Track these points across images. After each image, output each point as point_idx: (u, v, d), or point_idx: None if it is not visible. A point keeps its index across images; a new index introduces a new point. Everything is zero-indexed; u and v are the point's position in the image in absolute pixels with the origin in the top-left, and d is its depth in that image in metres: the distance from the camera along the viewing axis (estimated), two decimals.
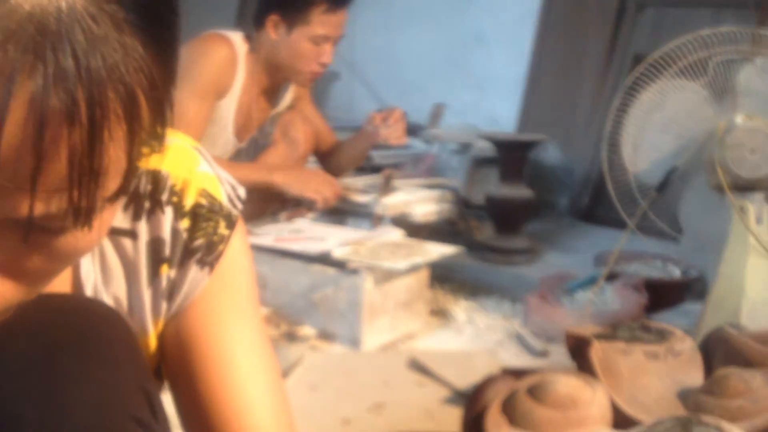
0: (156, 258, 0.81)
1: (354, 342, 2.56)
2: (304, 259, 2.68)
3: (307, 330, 2.60)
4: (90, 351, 0.69)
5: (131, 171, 0.59)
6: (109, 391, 0.67)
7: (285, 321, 2.64)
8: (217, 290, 0.82)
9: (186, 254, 0.81)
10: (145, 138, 0.59)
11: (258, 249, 2.74)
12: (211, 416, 0.78)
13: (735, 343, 1.83)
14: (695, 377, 1.77)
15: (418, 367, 2.34)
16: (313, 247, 2.69)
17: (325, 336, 2.60)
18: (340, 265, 2.60)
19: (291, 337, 2.55)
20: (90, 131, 0.52)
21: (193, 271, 0.82)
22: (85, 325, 0.71)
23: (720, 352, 1.85)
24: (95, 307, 0.75)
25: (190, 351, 0.81)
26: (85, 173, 0.53)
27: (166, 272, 0.81)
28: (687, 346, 1.83)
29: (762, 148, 2.30)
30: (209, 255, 0.82)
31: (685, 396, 1.68)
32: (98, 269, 0.79)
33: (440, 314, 3.01)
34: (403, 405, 2.14)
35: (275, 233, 2.87)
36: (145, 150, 0.60)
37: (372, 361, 2.46)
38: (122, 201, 0.68)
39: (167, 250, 0.81)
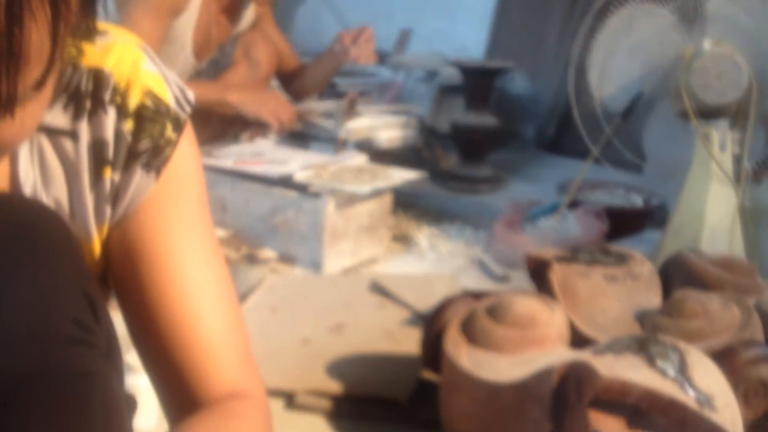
0: (98, 160, 0.77)
1: (315, 266, 2.54)
2: (265, 182, 2.64)
3: (267, 253, 2.58)
4: (26, 249, 0.65)
5: (55, 59, 0.55)
6: (46, 290, 0.64)
7: (245, 244, 2.61)
8: (164, 196, 0.79)
9: (130, 157, 0.78)
10: (71, 25, 0.55)
11: (218, 171, 2.69)
12: (159, 326, 0.76)
13: (694, 267, 1.84)
14: (653, 300, 1.78)
15: (378, 289, 2.33)
16: (275, 170, 2.64)
17: (286, 259, 2.58)
18: (301, 188, 2.56)
19: (251, 259, 2.53)
20: (8, 10, 0.48)
21: (139, 176, 0.78)
22: (21, 223, 0.67)
23: (679, 275, 1.86)
24: (33, 206, 0.72)
25: (138, 259, 0.77)
26: (3, 56, 0.50)
27: (110, 175, 0.78)
28: (646, 269, 1.83)
29: (728, 75, 2.28)
30: (155, 159, 0.78)
31: (643, 317, 1.69)
32: (38, 171, 0.75)
33: (402, 240, 3.00)
34: (364, 326, 2.13)
35: (236, 156, 2.81)
36: (73, 43, 0.56)
37: (333, 283, 2.44)
38: (51, 94, 0.64)
39: (110, 153, 0.77)
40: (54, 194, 0.75)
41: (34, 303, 0.62)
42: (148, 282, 0.76)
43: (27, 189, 0.75)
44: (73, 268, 0.68)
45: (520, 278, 2.54)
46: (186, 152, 0.81)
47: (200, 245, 0.78)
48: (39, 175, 0.75)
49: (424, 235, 3.03)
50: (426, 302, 2.18)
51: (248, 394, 0.72)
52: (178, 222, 0.78)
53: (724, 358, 1.44)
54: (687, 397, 1.29)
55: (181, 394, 0.73)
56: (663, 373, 1.32)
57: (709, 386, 1.34)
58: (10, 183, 0.76)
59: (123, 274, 0.77)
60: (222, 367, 0.73)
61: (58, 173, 0.75)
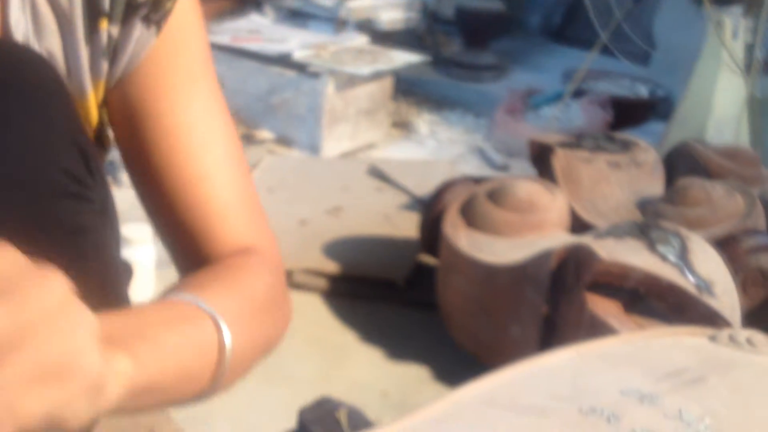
0: (93, 11, 0.72)
1: (313, 148, 2.51)
2: (263, 59, 2.57)
3: (265, 134, 2.54)
4: (15, 96, 0.62)
5: None
6: (36, 140, 0.60)
7: (242, 123, 2.56)
8: (166, 53, 0.74)
9: (129, 10, 0.72)
10: None
11: (214, 48, 2.61)
12: (166, 187, 0.71)
13: (699, 156, 1.81)
14: (656, 188, 1.76)
15: (377, 174, 2.31)
16: (273, 48, 2.57)
17: (284, 141, 2.54)
18: (300, 68, 2.49)
19: (248, 139, 2.49)
20: None
21: (138, 30, 0.73)
22: (11, 69, 0.63)
23: (683, 164, 1.83)
24: (24, 52, 0.67)
25: (141, 120, 0.73)
26: None
27: (106, 28, 0.73)
28: (650, 157, 1.80)
29: None
30: (155, 12, 0.73)
31: (645, 205, 1.67)
32: (29, 19, 0.70)
33: (402, 126, 2.95)
34: (361, 209, 2.12)
35: (232, 32, 2.73)
36: None
37: (331, 166, 2.41)
38: None
39: (106, 3, 0.72)
40: (47, 46, 0.71)
41: (24, 153, 0.59)
42: (153, 143, 0.72)
43: (18, 37, 0.70)
44: (65, 119, 0.65)
45: (521, 167, 2.51)
46: (187, 7, 0.76)
47: (205, 103, 0.74)
48: (31, 23, 0.70)
49: (424, 121, 2.98)
50: (425, 187, 2.16)
51: (258, 250, 0.69)
52: (181, 80, 0.74)
53: (725, 245, 1.43)
54: (686, 283, 1.28)
55: (190, 252, 0.70)
56: (663, 257, 1.31)
57: (709, 273, 1.33)
58: (1, 30, 0.71)
59: (127, 136, 0.73)
60: (231, 225, 0.69)
61: (50, 23, 0.71)
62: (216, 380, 0.56)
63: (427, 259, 1.88)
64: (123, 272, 0.74)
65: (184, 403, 0.57)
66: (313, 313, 1.80)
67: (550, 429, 0.51)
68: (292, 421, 1.09)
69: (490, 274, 1.46)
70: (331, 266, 1.83)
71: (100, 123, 0.77)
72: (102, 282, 0.61)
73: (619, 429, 0.50)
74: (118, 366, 0.46)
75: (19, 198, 0.58)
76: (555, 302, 1.35)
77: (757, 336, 0.64)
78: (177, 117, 0.73)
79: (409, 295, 1.84)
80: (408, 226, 1.99)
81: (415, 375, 1.63)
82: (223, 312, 0.56)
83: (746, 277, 1.41)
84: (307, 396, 1.10)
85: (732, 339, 0.64)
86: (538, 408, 0.54)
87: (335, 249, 1.90)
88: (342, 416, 0.71)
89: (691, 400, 0.55)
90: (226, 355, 0.56)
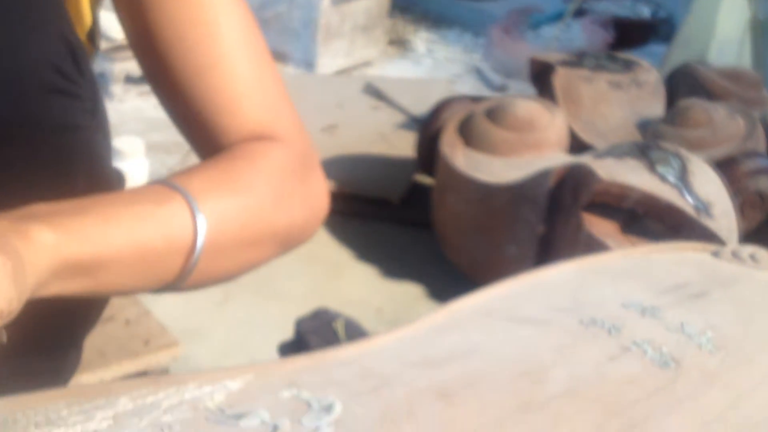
0: None
1: (308, 65, 2.46)
2: None
3: None
4: None
5: None
6: (22, 34, 0.57)
7: None
8: None
9: None
10: None
11: None
12: (177, 77, 0.64)
13: (701, 78, 1.78)
14: (657, 109, 1.73)
15: (373, 92, 2.27)
16: None
17: (278, 57, 2.49)
18: None
19: None
20: None
21: None
22: None
23: (684, 86, 1.80)
24: None
25: (149, 5, 0.66)
26: None
27: None
28: (652, 77, 1.77)
29: None
30: None
31: (645, 126, 1.65)
32: None
33: (399, 44, 2.89)
34: (357, 127, 2.09)
35: None
36: None
37: (326, 83, 2.37)
38: None
39: None
40: None
41: (9, 47, 0.56)
42: (164, 27, 0.66)
43: None
44: (55, 16, 0.61)
45: (518, 88, 2.47)
46: None
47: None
48: None
49: (421, 39, 2.92)
50: (421, 106, 2.13)
51: (279, 137, 0.64)
52: None
53: (725, 167, 1.42)
54: (685, 204, 1.28)
55: (205, 143, 0.65)
56: (663, 178, 1.29)
57: (708, 194, 1.32)
58: None
59: (133, 23, 0.68)
60: (245, 113, 0.63)
61: None
62: (188, 268, 0.52)
63: (423, 178, 1.86)
64: (114, 179, 0.71)
65: (155, 289, 0.54)
66: None
67: (549, 339, 0.50)
68: (286, 336, 1.10)
69: (486, 193, 1.45)
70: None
71: (94, 23, 0.73)
72: (90, 184, 0.58)
73: (620, 340, 0.50)
74: (38, 237, 0.44)
75: (5, 94, 0.56)
76: (551, 222, 1.34)
77: (760, 252, 0.63)
78: (202, 11, 0.65)
79: (404, 214, 1.83)
80: (404, 145, 1.97)
81: (409, 292, 1.63)
82: (202, 195, 0.53)
83: (745, 200, 1.40)
84: (301, 312, 1.10)
85: (735, 255, 0.63)
86: (537, 319, 0.53)
87: (330, 167, 1.88)
88: (339, 326, 0.70)
89: (693, 313, 0.54)
90: (199, 240, 0.51)
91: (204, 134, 0.62)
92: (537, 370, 0.47)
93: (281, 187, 0.59)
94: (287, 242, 0.61)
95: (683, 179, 1.30)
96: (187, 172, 0.56)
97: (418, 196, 1.83)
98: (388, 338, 0.52)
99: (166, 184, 0.53)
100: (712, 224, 1.26)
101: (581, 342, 0.50)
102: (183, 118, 0.65)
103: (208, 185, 0.54)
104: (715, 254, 0.64)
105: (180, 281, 0.53)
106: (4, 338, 0.46)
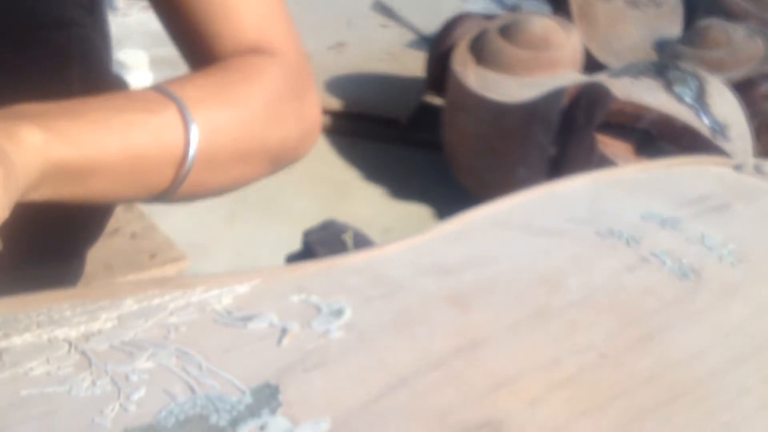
0: None
1: None
2: None
3: None
4: None
5: None
6: None
7: None
8: None
9: None
10: None
11: None
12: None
13: None
14: (675, 29, 1.69)
15: (382, 9, 2.22)
16: None
17: None
18: None
19: None
20: None
21: None
22: None
23: (703, 5, 1.75)
24: None
25: None
26: None
27: None
28: None
29: None
30: None
31: (662, 46, 1.61)
32: None
33: None
34: (365, 46, 2.05)
35: None
36: None
37: (335, 0, 2.32)
38: None
39: None
40: None
41: None
42: None
43: None
44: None
45: (532, 7, 2.41)
46: None
47: None
48: None
49: None
50: (432, 25, 2.08)
51: (274, 51, 0.61)
52: None
53: (742, 89, 1.38)
54: (701, 125, 1.25)
55: (197, 48, 0.62)
56: (679, 98, 1.26)
57: (724, 116, 1.29)
58: None
59: None
60: (242, 16, 0.60)
61: None
62: (179, 179, 0.51)
63: (433, 98, 1.83)
64: (114, 85, 0.69)
65: (146, 198, 0.53)
66: (314, 150, 1.77)
67: (565, 249, 0.49)
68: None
69: (498, 113, 1.42)
70: (334, 103, 1.79)
71: None
72: (86, 86, 0.56)
73: (638, 251, 0.48)
74: (28, 138, 0.42)
75: None
76: (564, 143, 1.32)
77: None
78: None
79: (412, 135, 1.81)
80: (414, 65, 1.93)
81: (417, 214, 1.62)
82: (196, 105, 0.51)
83: (761, 123, 1.37)
84: None
85: (758, 169, 0.61)
86: (553, 230, 0.52)
87: (338, 86, 1.85)
88: (348, 238, 0.69)
89: (714, 225, 0.52)
90: (191, 150, 0.50)
91: (197, 41, 0.59)
92: (553, 279, 0.45)
93: (275, 103, 0.58)
94: (279, 159, 0.59)
95: (700, 100, 1.26)
96: (182, 79, 0.54)
97: (427, 117, 1.81)
98: (400, 246, 0.51)
99: (159, 90, 0.51)
100: (727, 146, 1.24)
101: (598, 252, 0.48)
102: (176, 25, 0.62)
103: (202, 95, 0.52)
104: (738, 168, 0.62)
105: (171, 192, 0.52)
106: (0, 245, 0.45)
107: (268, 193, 1.55)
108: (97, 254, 0.93)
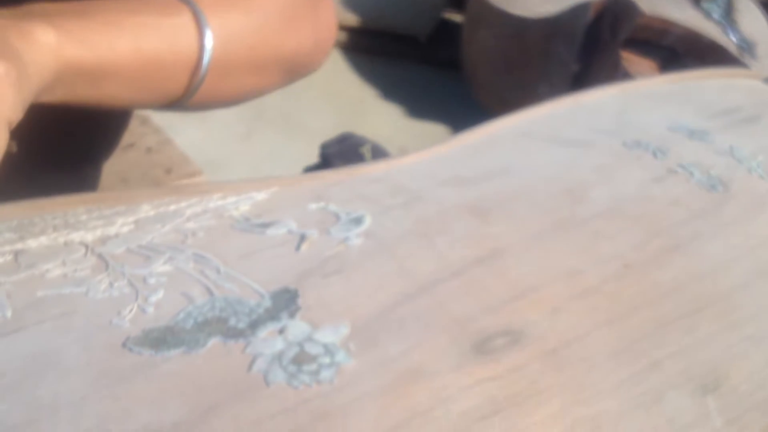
0: None
1: None
2: None
3: None
4: None
5: None
6: None
7: None
8: None
9: None
10: None
11: None
12: None
13: None
14: None
15: None
16: None
17: None
18: None
19: None
20: None
21: None
22: None
23: None
24: None
25: None
26: None
27: None
28: None
29: None
30: None
31: None
32: None
33: None
34: None
35: None
36: None
37: None
38: None
39: None
40: None
41: None
42: None
43: None
44: None
45: None
46: None
47: None
48: None
49: None
50: None
51: None
52: None
53: None
54: (728, 42, 1.21)
55: None
56: (707, 14, 1.22)
57: (752, 33, 1.25)
58: None
59: None
60: None
61: None
62: (193, 85, 0.50)
63: (452, 15, 1.79)
64: None
65: (160, 105, 0.52)
66: (331, 67, 1.75)
67: (590, 160, 0.47)
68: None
69: (520, 28, 1.38)
70: (352, 19, 1.75)
71: None
72: None
73: (666, 163, 0.47)
74: (41, 37, 0.41)
75: None
76: (587, 59, 1.29)
77: None
78: None
79: (431, 53, 1.77)
80: None
81: (434, 132, 1.60)
82: (211, 10, 0.49)
83: None
84: None
85: None
86: (578, 140, 0.50)
87: (356, 1, 1.81)
88: (366, 151, 0.68)
89: (743, 137, 0.51)
90: (205, 56, 0.49)
91: None
92: (577, 189, 0.44)
93: (291, 12, 0.56)
94: (293, 69, 0.58)
95: (728, 17, 1.22)
96: None
97: (446, 34, 1.77)
98: (420, 156, 0.50)
99: None
100: (754, 64, 1.20)
101: (625, 163, 0.47)
102: None
103: (216, 0, 0.51)
104: None
105: (185, 99, 0.51)
106: (14, 147, 0.44)
107: (284, 110, 1.54)
108: (112, 168, 0.92)
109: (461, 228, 0.41)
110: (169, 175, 1.03)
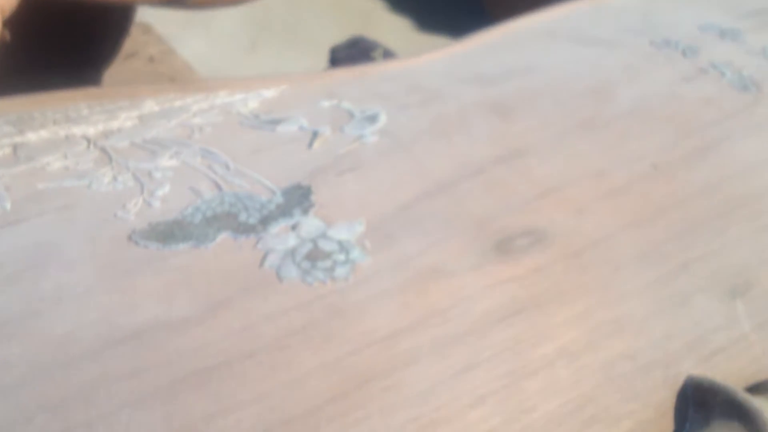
0: None
1: None
2: None
3: None
4: None
5: None
6: None
7: None
8: None
9: None
10: None
11: None
12: None
13: None
14: None
15: None
16: None
17: None
18: None
19: None
20: None
21: None
22: None
23: None
24: None
25: None
26: None
27: None
28: None
29: None
30: None
31: None
32: None
33: None
34: None
35: None
36: None
37: None
38: None
39: None
40: None
41: None
42: None
43: None
44: None
45: None
46: None
47: None
48: None
49: None
50: None
51: None
52: None
53: None
54: None
55: None
56: None
57: None
58: None
59: None
60: None
61: None
62: None
63: None
64: None
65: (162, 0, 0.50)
66: None
67: (617, 59, 0.45)
68: None
69: None
70: None
71: None
72: None
73: (696, 62, 0.45)
74: None
75: None
76: None
77: None
78: None
79: None
80: None
81: (444, 46, 1.56)
82: None
83: None
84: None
85: None
86: (604, 40, 0.48)
87: None
88: (378, 56, 0.65)
89: None
90: None
91: None
92: (603, 88, 0.42)
93: None
94: None
95: None
96: None
97: None
98: (437, 55, 0.48)
99: None
100: None
101: (653, 62, 0.45)
102: None
103: None
104: None
105: None
106: (8, 36, 0.42)
107: (290, 21, 1.49)
108: (114, 76, 0.90)
109: (481, 126, 0.39)
110: (173, 85, 1.00)
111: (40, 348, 0.23)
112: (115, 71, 0.88)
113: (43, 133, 0.36)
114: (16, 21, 0.39)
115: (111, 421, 0.22)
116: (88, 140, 0.35)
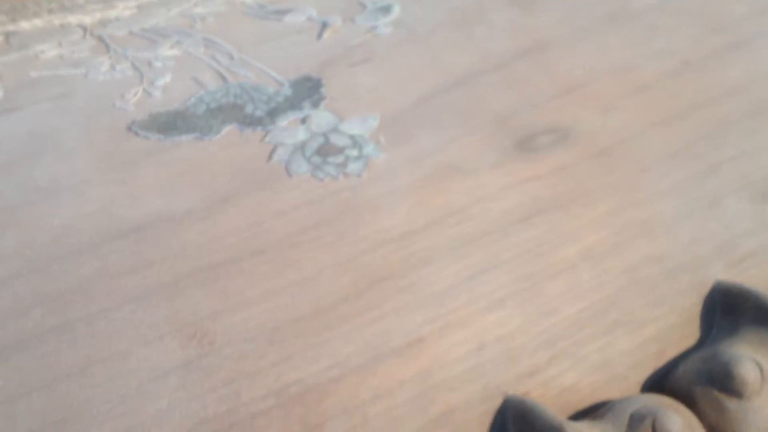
0: None
1: None
2: None
3: None
4: None
5: None
6: None
7: None
8: None
9: None
10: None
11: None
12: None
13: None
14: None
15: None
16: None
17: None
18: None
19: None
20: None
21: None
22: None
23: None
24: None
25: None
26: None
27: None
28: None
29: None
30: None
31: None
32: None
33: None
34: None
35: None
36: None
37: None
38: None
39: None
40: None
41: None
42: None
43: None
44: None
45: None
46: None
47: None
48: None
49: None
50: None
51: None
52: None
53: None
54: None
55: None
56: None
57: None
58: None
59: None
60: None
61: None
62: None
63: None
64: None
65: None
66: None
67: None
68: None
69: None
70: None
71: None
72: None
73: None
74: None
75: None
76: None
77: None
78: None
79: None
80: None
81: None
82: None
83: None
84: None
85: None
86: None
87: None
88: None
89: None
90: None
91: None
92: None
93: None
94: None
95: None
96: None
97: None
98: None
99: None
100: None
101: None
102: None
103: None
104: None
105: None
106: None
107: None
108: None
109: (501, 18, 0.37)
110: None
111: (35, 240, 0.22)
112: None
113: (37, 22, 0.34)
114: None
115: (113, 316, 0.21)
116: (85, 29, 0.33)
